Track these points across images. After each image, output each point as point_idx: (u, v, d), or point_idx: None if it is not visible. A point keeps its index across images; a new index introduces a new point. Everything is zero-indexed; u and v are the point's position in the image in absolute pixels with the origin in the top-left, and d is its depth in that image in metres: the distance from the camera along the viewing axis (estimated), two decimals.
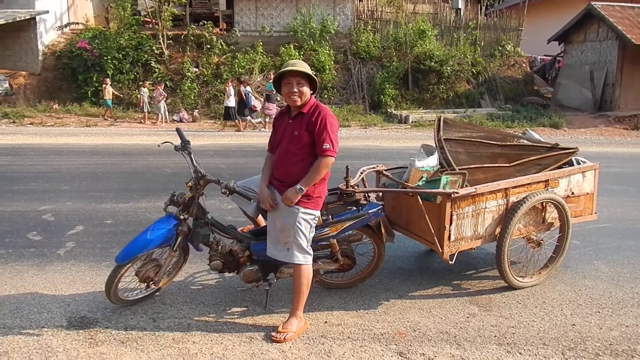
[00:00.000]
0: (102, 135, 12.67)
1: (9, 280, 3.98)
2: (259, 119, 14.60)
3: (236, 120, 14.02)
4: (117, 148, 10.76)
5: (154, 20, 17.37)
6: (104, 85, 15.22)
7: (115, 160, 9.27)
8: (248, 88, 14.12)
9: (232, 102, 13.89)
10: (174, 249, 3.37)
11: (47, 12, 17.10)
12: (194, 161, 3.35)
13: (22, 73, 16.76)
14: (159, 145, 3.62)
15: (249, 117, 14.26)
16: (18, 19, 15.90)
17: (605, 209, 5.87)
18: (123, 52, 16.61)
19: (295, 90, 3.12)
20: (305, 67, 3.18)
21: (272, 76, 14.33)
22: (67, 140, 11.66)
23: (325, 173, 3.16)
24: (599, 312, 3.60)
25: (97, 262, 4.27)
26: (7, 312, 3.45)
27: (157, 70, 16.72)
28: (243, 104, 13.91)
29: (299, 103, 3.15)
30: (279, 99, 13.88)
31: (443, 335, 3.26)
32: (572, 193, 4.13)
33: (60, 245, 4.77)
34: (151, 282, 3.46)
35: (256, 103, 14.21)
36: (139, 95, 15.23)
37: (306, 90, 3.15)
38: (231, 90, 13.93)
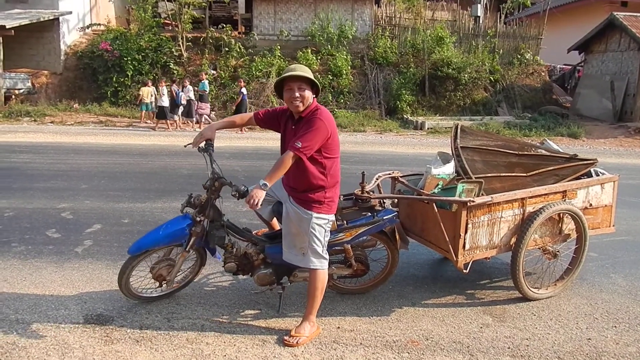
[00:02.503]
0: (121, 135, 12.84)
1: (28, 276, 4.05)
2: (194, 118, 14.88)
3: (167, 120, 14.28)
4: (135, 148, 10.90)
5: (174, 23, 17.58)
6: (145, 88, 14.80)
7: (132, 160, 9.39)
8: (190, 87, 14.55)
9: (165, 101, 14.14)
10: (187, 249, 3.40)
11: (70, 12, 17.43)
12: (214, 163, 3.37)
13: (44, 72, 17.09)
14: (185, 146, 3.66)
15: (176, 116, 14.63)
16: (42, 19, 16.22)
17: (624, 221, 5.79)
18: (143, 54, 16.86)
19: (297, 95, 3.06)
20: (306, 72, 3.11)
21: (205, 76, 14.86)
22: (86, 140, 11.84)
23: (288, 168, 3.00)
24: (615, 326, 3.55)
25: (114, 261, 4.32)
26: (25, 308, 3.51)
27: (175, 71, 16.91)
28: (174, 103, 14.36)
29: (301, 108, 3.10)
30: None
31: (456, 345, 3.24)
32: (590, 205, 4.08)
33: (78, 243, 4.84)
34: (164, 282, 3.50)
35: (183, 101, 14.56)
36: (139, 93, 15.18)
37: (308, 94, 3.09)
38: (164, 89, 14.15)
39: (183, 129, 14.56)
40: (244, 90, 14.68)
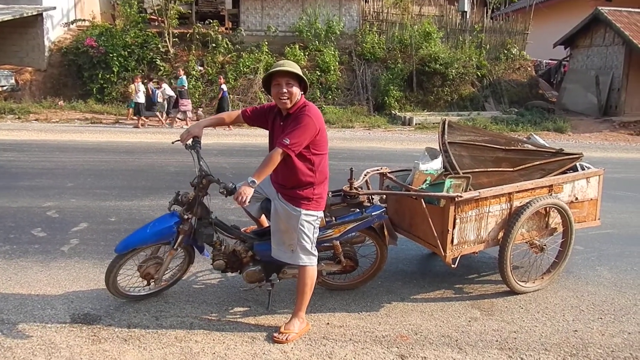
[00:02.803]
0: (107, 133, 12.71)
1: (13, 276, 4.00)
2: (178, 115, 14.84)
3: (139, 117, 14.21)
4: (122, 145, 10.79)
5: (160, 18, 17.42)
6: (134, 85, 14.50)
7: (119, 158, 9.30)
8: (165, 86, 14.53)
9: (141, 98, 14.07)
10: (175, 247, 3.38)
11: (54, 8, 17.15)
12: (200, 160, 3.35)
13: (28, 69, 16.83)
14: (172, 143, 3.63)
15: (158, 113, 14.65)
16: (25, 15, 15.96)
17: (609, 214, 5.86)
18: (129, 50, 16.67)
19: (285, 91, 3.04)
20: (294, 67, 3.09)
21: (182, 73, 14.77)
22: (72, 137, 11.71)
23: (276, 164, 2.99)
24: (601, 318, 3.60)
25: (101, 260, 4.28)
26: (11, 308, 3.47)
27: (162, 68, 16.76)
28: (150, 100, 14.35)
29: (288, 105, 3.08)
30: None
31: (444, 338, 3.26)
32: (576, 198, 4.12)
33: (64, 242, 4.79)
34: (151, 280, 3.48)
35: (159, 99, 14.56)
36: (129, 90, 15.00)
37: (296, 90, 3.07)
38: (140, 86, 14.07)
39: (162, 126, 14.50)
40: (224, 86, 14.63)
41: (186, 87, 14.62)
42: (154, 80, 14.97)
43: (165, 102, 14.60)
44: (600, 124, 16.21)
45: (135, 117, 14.27)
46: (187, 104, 14.46)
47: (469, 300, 3.83)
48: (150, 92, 14.20)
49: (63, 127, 13.54)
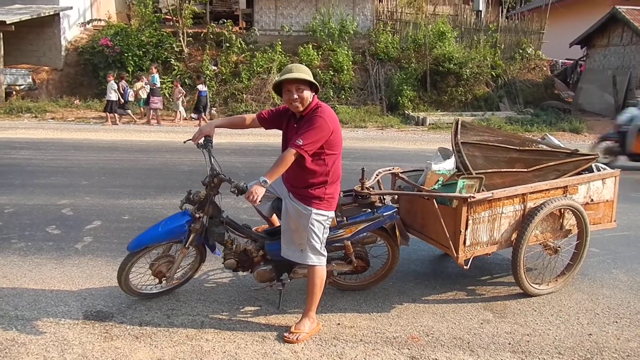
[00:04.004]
0: (121, 132, 12.83)
1: (27, 272, 4.05)
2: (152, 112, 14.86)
3: (112, 114, 14.24)
4: (136, 144, 10.89)
5: (174, 18, 17.52)
6: (137, 83, 14.88)
7: (133, 157, 9.38)
8: (141, 84, 14.68)
9: (113, 96, 14.11)
10: (186, 245, 3.39)
11: (71, 8, 17.36)
12: (212, 159, 3.36)
13: (45, 68, 17.05)
14: (184, 142, 3.65)
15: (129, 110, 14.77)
16: (42, 15, 16.17)
17: (625, 216, 5.77)
18: (144, 49, 16.80)
19: (296, 96, 3.06)
20: (303, 72, 3.11)
21: (155, 69, 14.79)
22: (87, 136, 11.84)
23: (289, 165, 3.01)
24: (616, 322, 3.54)
25: (114, 257, 4.32)
26: (25, 304, 3.51)
27: (176, 67, 16.87)
28: (123, 99, 14.48)
29: (300, 109, 3.11)
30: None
31: (456, 340, 3.23)
32: (591, 200, 4.06)
33: (78, 240, 4.84)
34: (163, 278, 3.50)
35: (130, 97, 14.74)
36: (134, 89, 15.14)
37: (307, 94, 3.09)
38: (113, 85, 14.10)
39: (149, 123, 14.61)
40: (200, 87, 14.59)
41: (158, 85, 14.63)
42: (122, 76, 15.02)
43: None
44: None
45: (105, 114, 14.31)
46: (157, 102, 14.52)
47: (482, 302, 3.79)
48: (122, 91, 14.31)
49: (78, 125, 13.70)
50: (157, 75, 14.68)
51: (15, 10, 16.19)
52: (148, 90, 14.63)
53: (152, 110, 14.50)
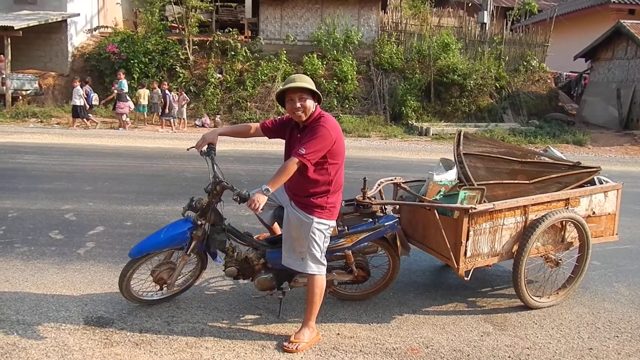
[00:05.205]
0: (126, 138, 12.89)
1: (29, 277, 4.07)
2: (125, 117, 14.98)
3: (83, 119, 14.44)
4: (139, 151, 10.93)
5: (180, 26, 17.67)
6: (141, 90, 15.17)
7: (136, 163, 9.42)
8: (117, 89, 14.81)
9: (78, 101, 14.22)
10: (188, 252, 3.41)
11: (78, 14, 17.54)
12: (215, 166, 3.38)
13: (52, 74, 17.19)
14: (187, 149, 3.67)
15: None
16: (50, 21, 16.33)
17: (628, 229, 5.75)
18: (149, 57, 16.94)
19: (299, 105, 3.09)
20: (306, 81, 3.15)
21: (122, 75, 14.91)
22: (91, 142, 11.90)
23: (291, 174, 3.02)
24: (617, 336, 3.53)
25: (116, 263, 4.33)
26: (26, 309, 3.52)
27: (181, 75, 16.98)
28: (88, 103, 14.65)
29: (303, 118, 3.14)
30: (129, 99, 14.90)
31: (456, 353, 3.22)
32: (593, 213, 4.06)
33: (80, 245, 4.86)
34: (164, 285, 3.50)
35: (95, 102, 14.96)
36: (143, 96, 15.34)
37: (309, 103, 3.12)
38: (79, 90, 14.21)
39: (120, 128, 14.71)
40: (167, 92, 14.74)
41: (125, 90, 14.72)
42: (87, 81, 15.15)
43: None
44: (621, 137, 15.94)
45: (76, 120, 14.46)
46: (124, 107, 14.61)
47: (482, 314, 3.78)
48: (86, 95, 14.43)
49: (83, 131, 13.78)
50: (124, 81, 14.83)
51: (23, 16, 16.35)
52: (151, 99, 14.86)
53: (119, 115, 14.65)
